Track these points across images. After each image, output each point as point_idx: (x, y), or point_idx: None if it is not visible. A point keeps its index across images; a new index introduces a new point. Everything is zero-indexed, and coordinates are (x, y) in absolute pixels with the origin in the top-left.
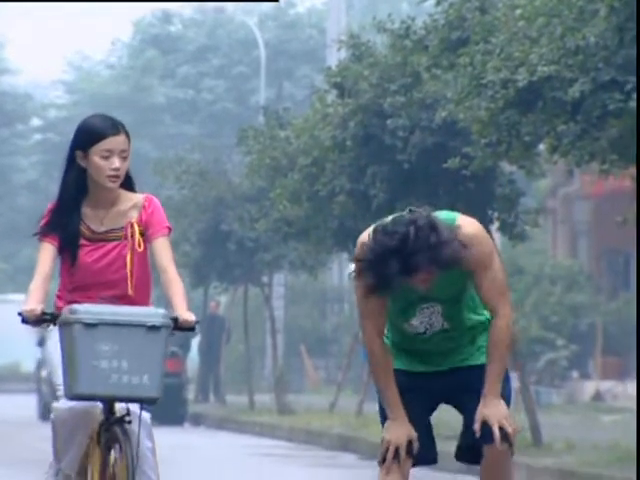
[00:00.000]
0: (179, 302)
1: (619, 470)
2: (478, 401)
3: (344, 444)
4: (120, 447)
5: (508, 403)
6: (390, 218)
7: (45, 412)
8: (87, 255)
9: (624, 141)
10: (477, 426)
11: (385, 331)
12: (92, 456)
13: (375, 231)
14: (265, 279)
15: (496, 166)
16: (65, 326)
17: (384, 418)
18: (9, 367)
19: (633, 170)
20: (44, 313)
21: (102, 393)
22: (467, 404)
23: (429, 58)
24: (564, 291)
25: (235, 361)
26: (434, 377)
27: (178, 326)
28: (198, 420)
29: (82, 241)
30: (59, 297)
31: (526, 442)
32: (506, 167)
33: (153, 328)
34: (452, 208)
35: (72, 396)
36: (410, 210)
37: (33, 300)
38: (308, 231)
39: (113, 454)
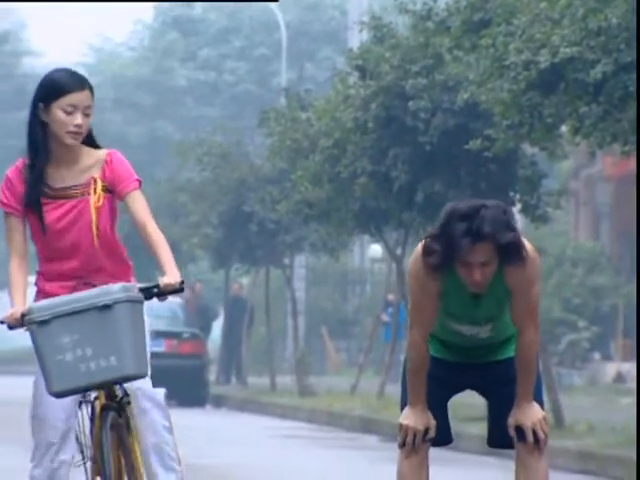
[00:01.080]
0: (165, 262)
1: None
2: (507, 389)
3: (365, 426)
4: (123, 431)
5: (541, 406)
6: None
7: None
8: (47, 214)
9: None
10: (512, 431)
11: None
12: (101, 444)
13: (446, 208)
14: (286, 261)
15: (518, 148)
16: (27, 328)
17: (405, 404)
18: (25, 349)
19: None
20: (24, 315)
21: (76, 385)
22: (495, 392)
23: (451, 40)
24: (586, 273)
25: (257, 343)
26: (464, 367)
27: (161, 292)
28: (220, 402)
29: (42, 199)
30: (41, 273)
31: (547, 424)
32: (528, 149)
33: (105, 308)
34: (474, 190)
35: (52, 395)
36: None
37: (15, 301)
38: (329, 213)
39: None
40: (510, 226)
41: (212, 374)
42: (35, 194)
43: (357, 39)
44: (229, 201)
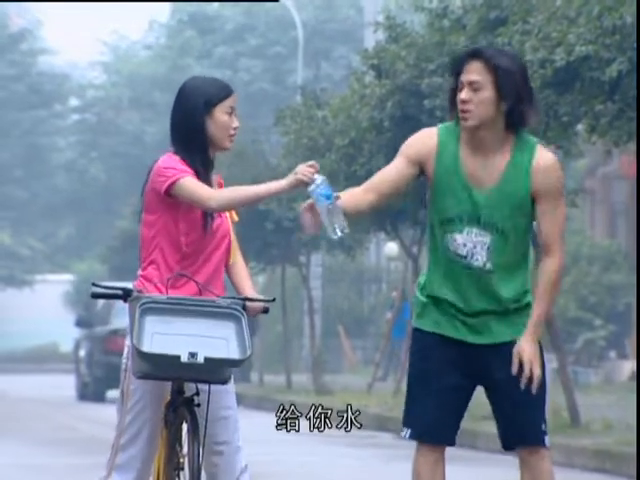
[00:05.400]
0: (249, 286)
1: None
2: (510, 390)
3: (382, 424)
4: (188, 428)
5: (545, 379)
6: None
7: (83, 392)
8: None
9: None
10: (515, 361)
11: (423, 279)
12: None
13: None
14: (303, 259)
15: None
16: (133, 302)
17: (409, 408)
18: (48, 347)
19: None
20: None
21: (174, 359)
22: (501, 389)
23: (467, 38)
24: (602, 271)
25: (273, 341)
26: (470, 351)
27: (249, 307)
28: (236, 399)
29: None
30: (157, 269)
31: (564, 422)
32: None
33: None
34: None
35: (140, 354)
36: None
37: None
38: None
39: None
40: (515, 59)
41: None
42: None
43: (373, 38)
44: None
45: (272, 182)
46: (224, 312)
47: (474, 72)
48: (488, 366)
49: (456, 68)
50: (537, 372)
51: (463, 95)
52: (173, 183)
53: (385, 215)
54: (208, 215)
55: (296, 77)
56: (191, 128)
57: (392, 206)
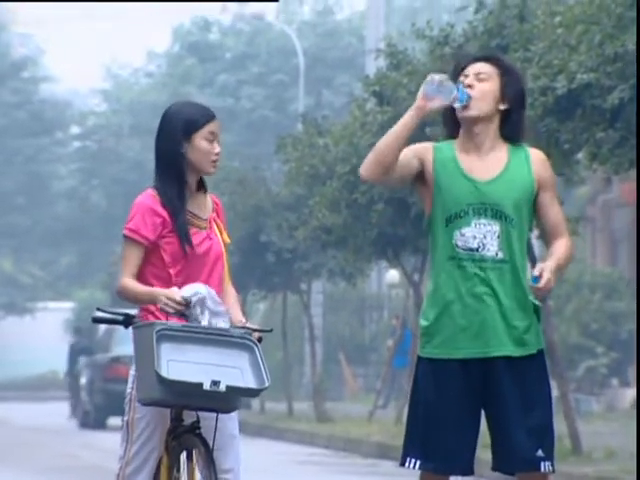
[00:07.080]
0: (238, 312)
1: None
2: (510, 410)
3: (383, 452)
4: (189, 454)
5: (550, 404)
6: None
7: (84, 420)
8: (193, 238)
9: None
10: (537, 272)
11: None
12: (162, 464)
13: None
14: (304, 286)
15: None
16: (144, 328)
17: (409, 443)
18: (48, 375)
19: None
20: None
21: (196, 381)
22: (498, 412)
23: None
24: (604, 299)
25: (274, 368)
26: (473, 369)
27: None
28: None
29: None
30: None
31: (566, 450)
32: None
33: (244, 345)
34: None
35: (160, 380)
36: None
37: (154, 291)
38: (347, 239)
39: (182, 462)
40: (521, 73)
41: None
42: (183, 219)
43: (374, 65)
44: (246, 227)
45: (157, 290)
46: (237, 342)
47: (482, 67)
48: (490, 384)
49: (458, 70)
50: (549, 283)
51: (468, 80)
52: (124, 237)
53: (386, 243)
54: (184, 242)
55: (297, 105)
56: (170, 155)
57: (394, 234)
